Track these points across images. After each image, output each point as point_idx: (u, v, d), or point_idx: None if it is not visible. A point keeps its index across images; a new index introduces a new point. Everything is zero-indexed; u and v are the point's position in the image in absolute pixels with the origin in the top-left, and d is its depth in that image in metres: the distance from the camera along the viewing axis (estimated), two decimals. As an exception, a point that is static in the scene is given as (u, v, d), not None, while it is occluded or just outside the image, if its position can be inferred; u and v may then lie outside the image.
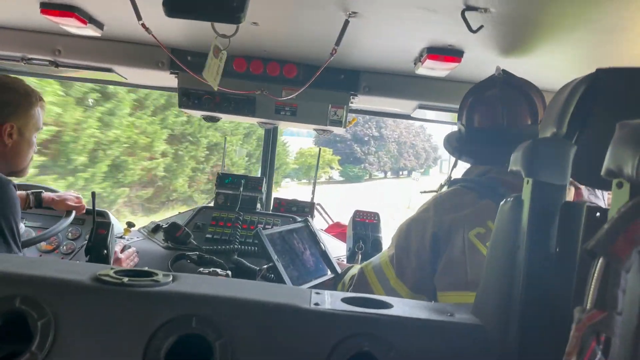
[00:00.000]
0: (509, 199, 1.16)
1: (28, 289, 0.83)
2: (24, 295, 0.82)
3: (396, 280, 1.60)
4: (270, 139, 2.88)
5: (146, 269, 0.97)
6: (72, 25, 1.90)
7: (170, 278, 0.92)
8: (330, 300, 0.90)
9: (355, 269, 1.94)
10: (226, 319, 0.83)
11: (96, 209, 2.61)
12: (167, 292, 0.86)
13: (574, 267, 0.99)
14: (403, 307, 0.90)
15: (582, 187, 1.64)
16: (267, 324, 0.83)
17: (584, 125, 1.12)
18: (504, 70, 1.69)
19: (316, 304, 0.87)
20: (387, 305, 0.90)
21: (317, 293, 0.95)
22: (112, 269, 0.93)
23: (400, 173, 44.90)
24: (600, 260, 0.70)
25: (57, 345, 0.80)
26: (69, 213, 2.14)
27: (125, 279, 0.87)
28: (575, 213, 1.01)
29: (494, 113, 1.65)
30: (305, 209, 2.65)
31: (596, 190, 1.70)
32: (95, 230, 1.55)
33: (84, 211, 2.22)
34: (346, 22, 1.61)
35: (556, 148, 1.10)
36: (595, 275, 0.71)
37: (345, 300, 0.91)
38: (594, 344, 0.66)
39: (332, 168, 33.04)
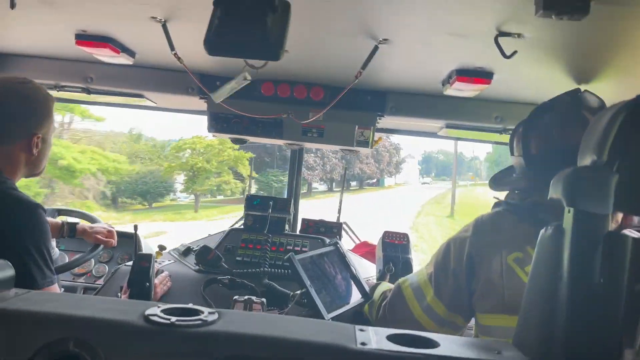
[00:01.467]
0: (549, 228, 1.14)
1: (80, 331, 0.85)
2: (77, 337, 0.83)
3: (433, 297, 1.61)
4: (297, 160, 2.89)
5: (191, 305, 0.98)
6: (105, 55, 1.95)
7: (216, 316, 0.93)
8: (376, 339, 0.90)
9: (384, 286, 1.95)
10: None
11: (128, 232, 2.67)
12: (214, 333, 0.87)
13: (620, 300, 0.97)
14: (450, 345, 0.89)
15: None
16: None
17: (625, 152, 1.10)
18: (586, 91, 1.57)
19: (363, 344, 0.87)
20: (434, 344, 0.89)
21: (362, 330, 0.95)
22: (158, 307, 0.94)
23: (350, 185, 33.45)
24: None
25: None
26: (96, 246, 2.17)
27: (173, 319, 0.88)
28: (620, 244, 0.99)
29: (547, 137, 1.54)
30: (333, 229, 2.65)
31: None
32: (137, 263, 1.57)
33: (113, 246, 2.23)
34: (375, 48, 1.62)
35: (597, 177, 1.08)
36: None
37: (391, 338, 0.90)
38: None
39: (239, 176, 20.61)
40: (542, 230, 1.17)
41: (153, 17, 1.56)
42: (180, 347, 0.85)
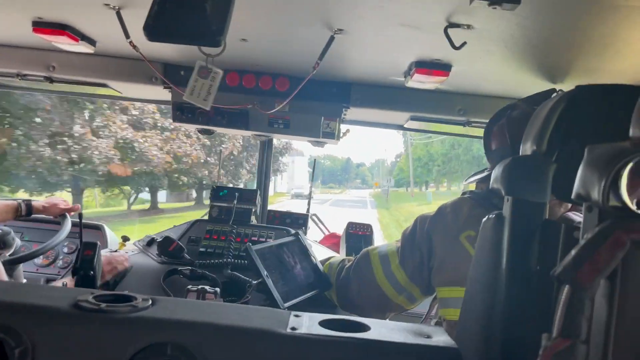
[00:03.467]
0: (490, 216, 1.16)
1: (5, 316, 0.84)
2: (1, 323, 0.83)
3: (397, 266, 1.74)
4: (265, 152, 2.89)
5: (127, 292, 0.98)
6: (64, 43, 1.92)
7: (149, 302, 0.93)
8: (308, 324, 0.91)
9: (340, 257, 2.08)
10: (202, 345, 0.83)
11: (92, 222, 2.64)
12: (144, 318, 0.87)
13: (553, 289, 1.00)
14: (380, 329, 0.91)
15: None
16: (243, 349, 0.84)
17: (564, 142, 1.13)
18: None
19: (293, 328, 0.88)
20: (364, 328, 0.91)
21: (296, 316, 0.96)
22: (92, 293, 0.93)
23: (189, 196, 22.91)
24: (567, 288, 0.70)
25: None
26: (63, 217, 2.11)
27: (103, 305, 0.87)
28: (554, 231, 1.01)
29: (503, 134, 1.66)
30: (299, 220, 2.66)
31: None
32: (81, 252, 1.56)
33: (79, 210, 2.18)
34: (331, 38, 1.62)
35: (535, 166, 1.10)
36: (562, 302, 0.71)
37: (323, 323, 0.92)
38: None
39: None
40: (484, 219, 1.20)
41: (107, 4, 1.54)
42: (108, 333, 0.85)
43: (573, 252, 0.71)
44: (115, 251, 2.34)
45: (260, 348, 0.84)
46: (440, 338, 0.92)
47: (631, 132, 0.78)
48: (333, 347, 0.84)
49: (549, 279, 1.03)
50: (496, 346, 1.02)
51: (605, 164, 0.72)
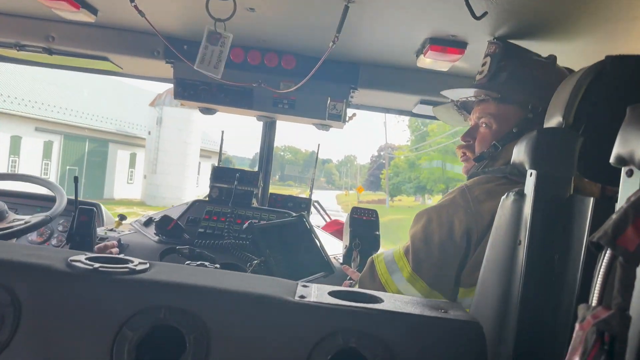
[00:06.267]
0: (510, 193, 1.10)
1: None
2: None
3: (411, 274, 1.43)
4: (269, 133, 2.82)
5: (122, 256, 0.92)
6: (64, 10, 1.85)
7: (147, 265, 0.87)
8: (317, 294, 0.85)
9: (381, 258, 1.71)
10: (202, 310, 0.77)
11: (88, 201, 2.58)
12: (140, 280, 0.80)
13: (579, 264, 0.94)
14: (394, 302, 0.85)
15: None
16: (247, 316, 0.78)
17: (591, 115, 1.06)
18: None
19: (301, 297, 0.81)
20: (377, 300, 0.84)
21: (304, 286, 0.90)
22: (84, 254, 0.87)
23: None
24: (607, 253, 0.64)
25: (21, 331, 0.75)
26: (57, 191, 1.99)
27: (97, 265, 0.81)
28: (582, 207, 0.95)
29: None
30: (301, 204, 2.60)
31: None
32: (77, 217, 1.49)
33: None
34: (346, 8, 1.55)
35: (561, 139, 1.04)
36: (602, 269, 0.65)
37: (333, 293, 0.85)
38: (599, 344, 0.60)
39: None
40: (504, 197, 1.13)
41: None
42: (101, 294, 0.79)
43: (614, 216, 0.65)
44: (112, 230, 2.28)
45: (266, 315, 0.78)
46: (458, 312, 0.85)
47: None
48: (345, 317, 0.78)
49: (573, 257, 0.97)
50: (513, 322, 0.97)
51: None
